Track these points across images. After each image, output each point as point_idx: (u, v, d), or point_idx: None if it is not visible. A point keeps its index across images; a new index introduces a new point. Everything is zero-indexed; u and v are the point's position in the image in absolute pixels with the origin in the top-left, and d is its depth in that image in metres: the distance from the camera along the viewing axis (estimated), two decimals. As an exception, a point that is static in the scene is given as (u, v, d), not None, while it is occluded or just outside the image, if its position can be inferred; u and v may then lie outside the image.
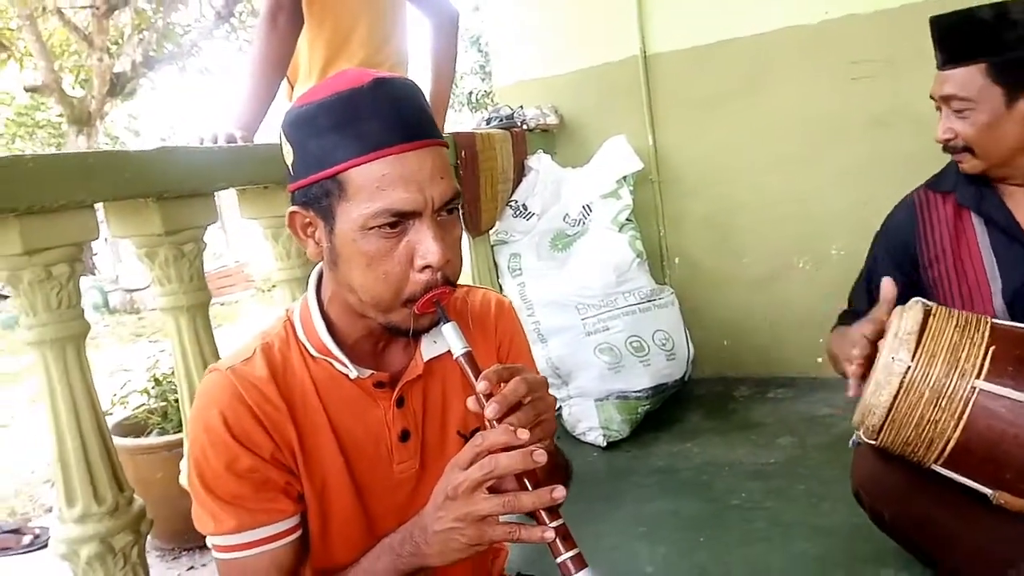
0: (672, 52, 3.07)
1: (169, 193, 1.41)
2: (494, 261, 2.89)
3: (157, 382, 2.60)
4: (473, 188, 2.55)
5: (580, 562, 0.80)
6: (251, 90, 1.81)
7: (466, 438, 0.95)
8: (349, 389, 0.99)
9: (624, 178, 2.93)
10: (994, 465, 1.19)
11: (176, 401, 2.38)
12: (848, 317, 1.69)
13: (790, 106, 2.92)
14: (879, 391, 1.23)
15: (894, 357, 1.22)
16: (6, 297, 9.20)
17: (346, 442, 0.99)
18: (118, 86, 9.92)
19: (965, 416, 1.18)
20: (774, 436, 2.57)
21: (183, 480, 1.53)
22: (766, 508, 2.09)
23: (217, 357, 1.54)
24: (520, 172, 2.92)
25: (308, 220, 0.93)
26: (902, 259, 1.58)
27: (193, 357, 1.53)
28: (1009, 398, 1.16)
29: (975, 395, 1.17)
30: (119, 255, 12.08)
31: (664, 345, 2.73)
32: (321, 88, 0.88)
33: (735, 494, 2.19)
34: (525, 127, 3.02)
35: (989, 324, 1.23)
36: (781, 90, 2.93)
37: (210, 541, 0.96)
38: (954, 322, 1.23)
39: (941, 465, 1.25)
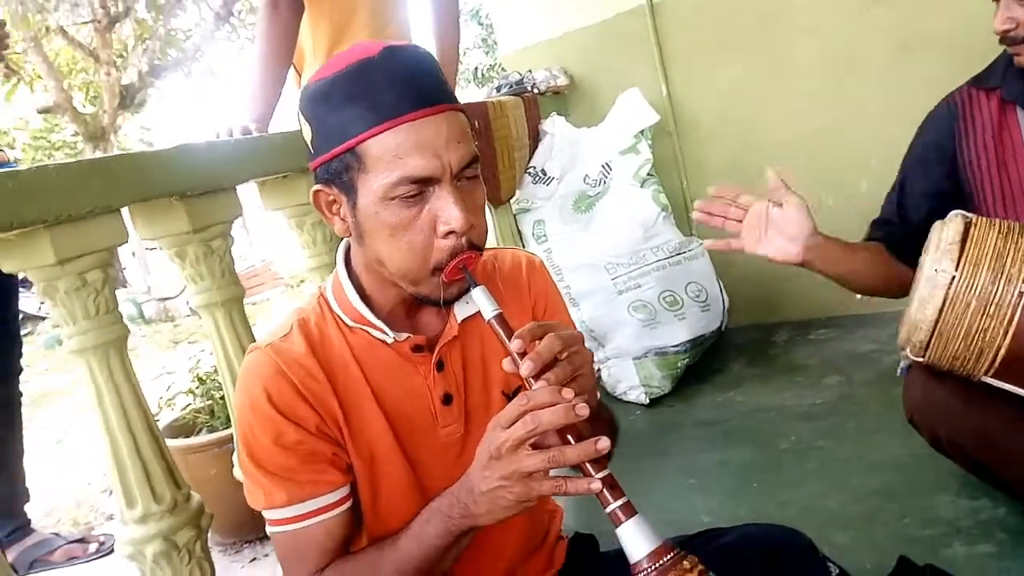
0: (679, -4, 2.99)
1: (192, 190, 1.42)
2: (518, 230, 2.88)
3: (201, 381, 2.63)
4: (490, 158, 2.53)
5: (629, 510, 0.80)
6: (260, 80, 1.81)
7: (510, 398, 0.95)
8: (388, 357, 1.00)
9: (641, 132, 2.88)
10: (1047, 371, 1.17)
11: (222, 398, 2.41)
12: (878, 226, 1.65)
13: (806, 40, 2.84)
14: (924, 305, 1.21)
15: (937, 269, 1.20)
16: (44, 318, 9.38)
17: (390, 410, 0.99)
18: (128, 98, 9.99)
19: (1014, 322, 1.16)
20: (819, 377, 2.54)
21: (237, 473, 1.56)
22: (818, 448, 2.07)
23: (256, 349, 1.55)
24: (535, 137, 2.89)
25: (332, 197, 0.94)
26: (938, 162, 1.52)
27: (233, 351, 1.55)
28: (1059, 301, 1.13)
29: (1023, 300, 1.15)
30: (148, 267, 12.25)
31: (698, 297, 2.70)
32: (334, 62, 0.88)
33: (785, 438, 2.18)
34: (536, 91, 2.98)
35: (1034, 228, 1.20)
36: (796, 24, 2.84)
37: (265, 517, 0.98)
38: (996, 229, 1.20)
39: (992, 376, 1.23)
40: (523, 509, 0.84)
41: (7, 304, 2.33)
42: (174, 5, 9.77)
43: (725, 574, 0.79)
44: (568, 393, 0.79)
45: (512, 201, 2.84)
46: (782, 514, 1.80)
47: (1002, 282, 1.17)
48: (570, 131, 2.92)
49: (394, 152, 0.85)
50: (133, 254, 13.28)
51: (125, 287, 11.46)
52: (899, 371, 1.60)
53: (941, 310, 1.20)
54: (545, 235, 2.79)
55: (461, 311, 1.03)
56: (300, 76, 2.11)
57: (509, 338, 0.84)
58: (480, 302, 0.89)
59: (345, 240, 1.04)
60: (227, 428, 2.29)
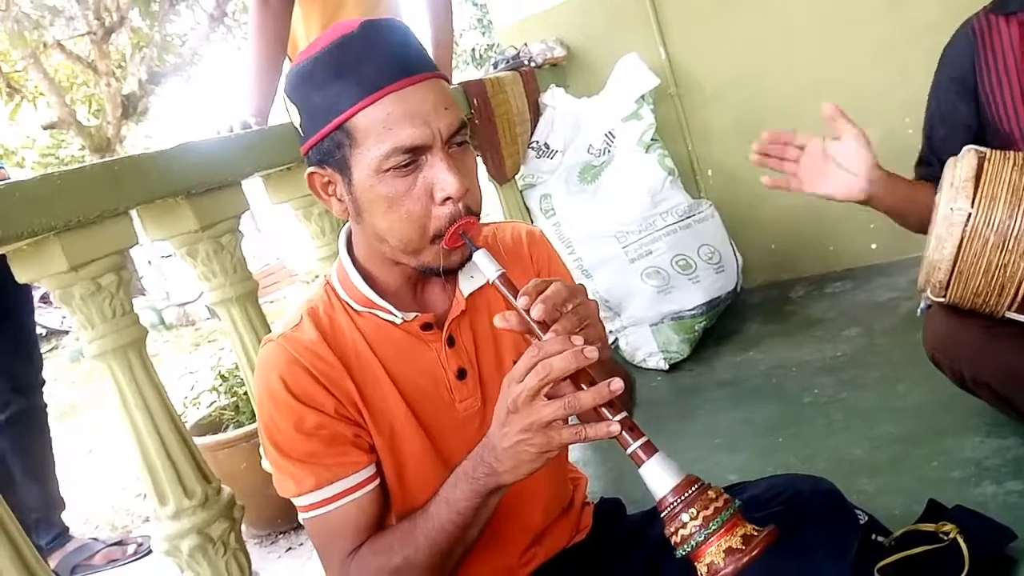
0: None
1: (196, 188, 1.42)
2: (526, 206, 2.87)
3: (223, 378, 2.67)
4: (492, 136, 2.52)
5: (650, 448, 0.80)
6: (256, 75, 1.81)
7: None
8: (399, 337, 1.01)
9: (643, 97, 2.86)
10: (1070, 302, 1.16)
11: (245, 394, 2.44)
12: (919, 167, 1.61)
13: (803, -8, 2.80)
14: (941, 245, 1.20)
15: (952, 207, 1.18)
16: (67, 332, 9.49)
17: (405, 389, 1.01)
18: (130, 107, 10.02)
19: (1035, 255, 1.14)
20: (839, 329, 2.53)
21: (266, 465, 1.58)
22: (841, 400, 2.07)
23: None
24: (536, 111, 2.87)
25: (327, 178, 0.95)
26: (963, 96, 1.47)
27: (251, 344, 1.56)
28: (1078, 231, 1.11)
29: (1043, 232, 1.13)
30: (164, 273, 12.35)
31: (711, 259, 2.69)
32: (314, 44, 0.89)
33: (807, 392, 2.17)
34: (533, 65, 2.96)
35: (1050, 158, 1.18)
36: (792, -25, 2.80)
37: (296, 505, 1.00)
38: (1011, 163, 1.19)
39: (1015, 311, 1.22)
40: (546, 462, 0.84)
41: (21, 316, 2.36)
42: (168, 11, 9.77)
43: (751, 522, 0.79)
44: (577, 340, 0.79)
45: (517, 177, 2.83)
46: (809, 467, 1.80)
47: (1019, 215, 1.16)
48: (570, 102, 2.90)
49: (383, 123, 0.86)
50: (149, 262, 13.40)
51: (144, 295, 11.56)
52: (919, 310, 1.58)
53: (959, 248, 1.19)
54: (553, 209, 2.78)
55: (466, 286, 1.03)
56: (295, 67, 2.11)
57: (515, 297, 0.85)
58: (483, 265, 0.89)
59: (346, 227, 1.05)
60: (253, 423, 2.31)
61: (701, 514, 0.76)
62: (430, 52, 0.99)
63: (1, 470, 2.30)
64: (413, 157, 0.88)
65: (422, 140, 0.87)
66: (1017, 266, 1.17)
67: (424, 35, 2.28)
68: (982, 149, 1.24)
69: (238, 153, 1.55)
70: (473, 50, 12.59)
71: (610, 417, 0.80)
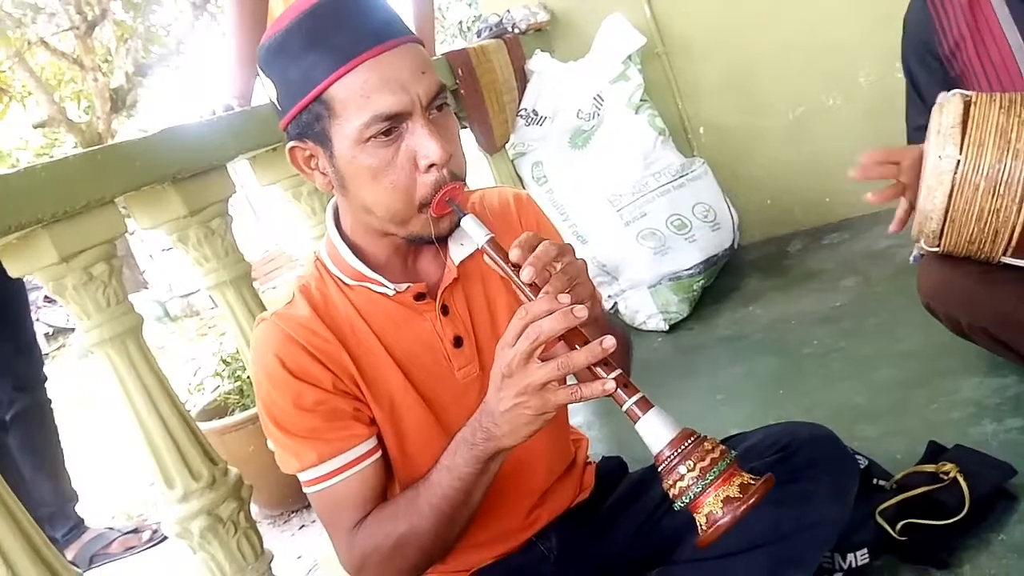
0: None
1: (182, 173, 1.42)
2: (517, 175, 2.86)
3: (226, 363, 2.68)
4: (479, 105, 2.50)
5: (646, 404, 0.80)
6: (236, 57, 1.80)
7: None
8: (392, 309, 1.01)
9: (629, 57, 2.83)
10: (1064, 243, 1.15)
11: (248, 377, 2.45)
12: (913, 133, 1.61)
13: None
14: (932, 194, 1.19)
15: (941, 155, 1.17)
16: (73, 329, 9.53)
17: (402, 360, 1.01)
18: (119, 101, 9.96)
19: (1028, 198, 1.14)
20: (837, 280, 2.53)
21: (272, 445, 1.59)
22: (840, 349, 2.07)
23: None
24: (522, 79, 2.85)
25: (308, 152, 0.94)
26: (931, 58, 1.50)
27: (249, 326, 1.56)
28: (1069, 169, 1.11)
29: (1034, 174, 1.12)
30: (166, 267, 12.36)
31: (706, 217, 2.68)
32: (284, 16, 0.88)
33: (807, 343, 2.18)
34: (517, 31, 2.93)
35: (1034, 99, 1.17)
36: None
37: (301, 480, 1.00)
38: (997, 105, 1.17)
39: (1011, 256, 1.21)
40: (544, 423, 0.85)
41: (17, 312, 2.37)
42: (151, 1, 9.68)
43: (750, 471, 0.80)
44: (564, 299, 0.79)
45: (508, 146, 2.82)
46: (811, 416, 1.77)
47: (1009, 159, 1.14)
48: (557, 67, 2.88)
49: (361, 92, 0.85)
50: (151, 256, 13.39)
51: (147, 288, 11.57)
52: (912, 258, 1.58)
53: (950, 196, 1.18)
54: (545, 176, 2.77)
55: (457, 254, 1.03)
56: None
57: (505, 261, 0.84)
58: (471, 230, 0.88)
59: (333, 201, 1.05)
60: (257, 405, 2.33)
61: (698, 465, 0.77)
62: (412, 26, 0.98)
63: (11, 467, 2.32)
64: (394, 124, 0.87)
65: (401, 107, 0.86)
66: (1010, 211, 1.16)
67: (406, 11, 2.25)
68: (967, 93, 1.23)
69: (222, 136, 1.54)
70: (460, 23, 12.44)
71: (604, 375, 0.80)
